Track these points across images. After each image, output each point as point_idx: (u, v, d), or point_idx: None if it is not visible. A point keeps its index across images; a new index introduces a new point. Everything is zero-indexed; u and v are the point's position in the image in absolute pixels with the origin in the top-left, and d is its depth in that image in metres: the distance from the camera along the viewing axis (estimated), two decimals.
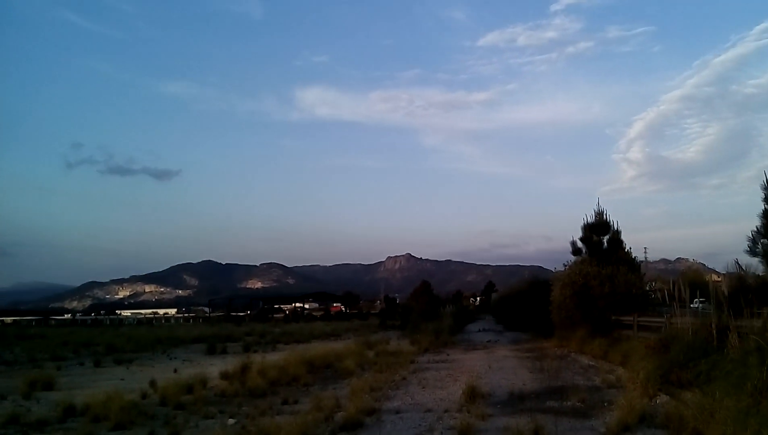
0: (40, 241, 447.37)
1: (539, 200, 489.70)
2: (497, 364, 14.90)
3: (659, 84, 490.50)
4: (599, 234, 20.70)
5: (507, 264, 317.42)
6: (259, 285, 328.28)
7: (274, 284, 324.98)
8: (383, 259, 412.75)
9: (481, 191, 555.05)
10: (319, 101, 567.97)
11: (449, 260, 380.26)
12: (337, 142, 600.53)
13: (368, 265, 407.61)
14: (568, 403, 8.93)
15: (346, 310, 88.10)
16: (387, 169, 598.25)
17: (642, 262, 25.36)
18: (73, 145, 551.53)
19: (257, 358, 14.64)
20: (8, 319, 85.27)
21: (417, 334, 24.86)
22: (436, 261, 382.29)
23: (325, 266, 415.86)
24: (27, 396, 10.90)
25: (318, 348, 19.21)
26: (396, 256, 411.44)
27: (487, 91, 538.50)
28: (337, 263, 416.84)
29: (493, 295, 64.27)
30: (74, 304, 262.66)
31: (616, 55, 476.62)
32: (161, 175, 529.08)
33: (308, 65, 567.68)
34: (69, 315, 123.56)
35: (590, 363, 14.38)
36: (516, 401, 9.28)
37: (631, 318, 16.05)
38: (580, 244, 21.00)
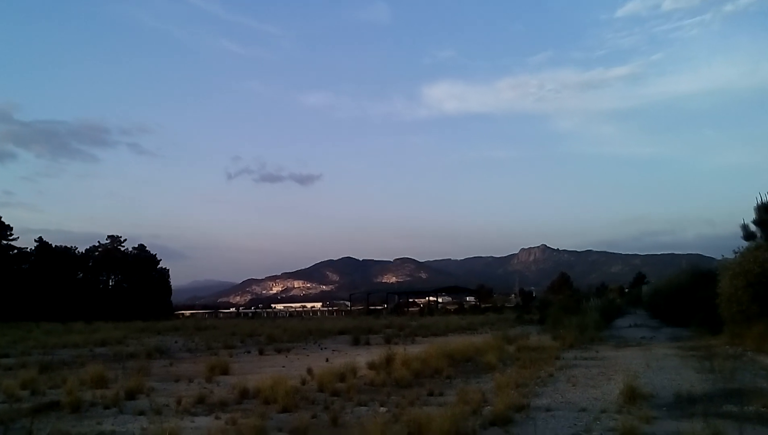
0: (210, 244, 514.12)
1: (698, 181, 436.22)
2: (657, 363, 13.61)
3: None
4: None
5: (659, 253, 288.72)
6: (393, 279, 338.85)
7: (408, 279, 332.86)
8: (516, 252, 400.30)
9: (626, 175, 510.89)
10: (446, 96, 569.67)
11: (590, 250, 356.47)
12: (466, 135, 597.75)
13: (501, 257, 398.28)
14: (751, 408, 7.86)
15: (479, 303, 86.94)
16: (518, 158, 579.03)
17: None
18: (233, 158, 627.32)
19: (399, 350, 15.10)
20: (187, 313, 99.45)
21: (559, 329, 23.65)
22: (575, 252, 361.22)
23: (457, 260, 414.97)
24: (209, 379, 12.46)
25: (456, 341, 19.21)
26: (530, 248, 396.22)
27: (629, 65, 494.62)
28: (469, 257, 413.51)
29: (644, 288, 58.62)
30: (237, 298, 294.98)
31: None
32: (305, 180, 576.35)
33: (435, 62, 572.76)
34: (233, 309, 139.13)
35: None
36: (684, 404, 8.40)
37: None
38: (753, 227, 18.29)
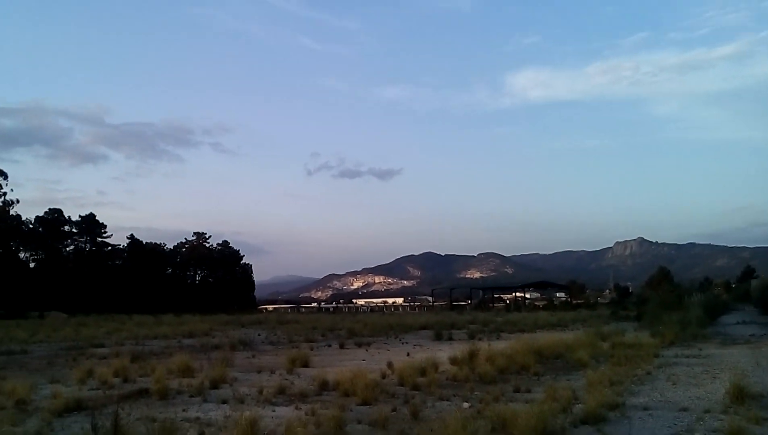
0: (291, 240, 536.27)
1: None
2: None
3: None
4: None
5: None
6: (477, 275, 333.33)
7: (492, 274, 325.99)
8: (611, 245, 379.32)
9: (732, 161, 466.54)
10: (531, 84, 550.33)
11: (692, 243, 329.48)
12: (553, 124, 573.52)
13: (593, 251, 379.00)
14: None
15: (570, 299, 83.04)
16: (611, 146, 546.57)
17: None
18: (312, 154, 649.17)
19: (483, 346, 14.64)
20: (270, 307, 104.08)
21: (658, 326, 21.90)
22: (676, 244, 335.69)
23: (545, 255, 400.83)
24: (290, 371, 12.78)
25: (545, 338, 18.33)
26: (626, 241, 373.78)
27: (735, 44, 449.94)
28: (559, 251, 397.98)
29: (754, 282, 52.91)
30: (318, 294, 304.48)
31: None
32: (384, 174, 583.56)
33: (519, 49, 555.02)
34: (315, 304, 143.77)
35: None
36: None
37: None
38: None
